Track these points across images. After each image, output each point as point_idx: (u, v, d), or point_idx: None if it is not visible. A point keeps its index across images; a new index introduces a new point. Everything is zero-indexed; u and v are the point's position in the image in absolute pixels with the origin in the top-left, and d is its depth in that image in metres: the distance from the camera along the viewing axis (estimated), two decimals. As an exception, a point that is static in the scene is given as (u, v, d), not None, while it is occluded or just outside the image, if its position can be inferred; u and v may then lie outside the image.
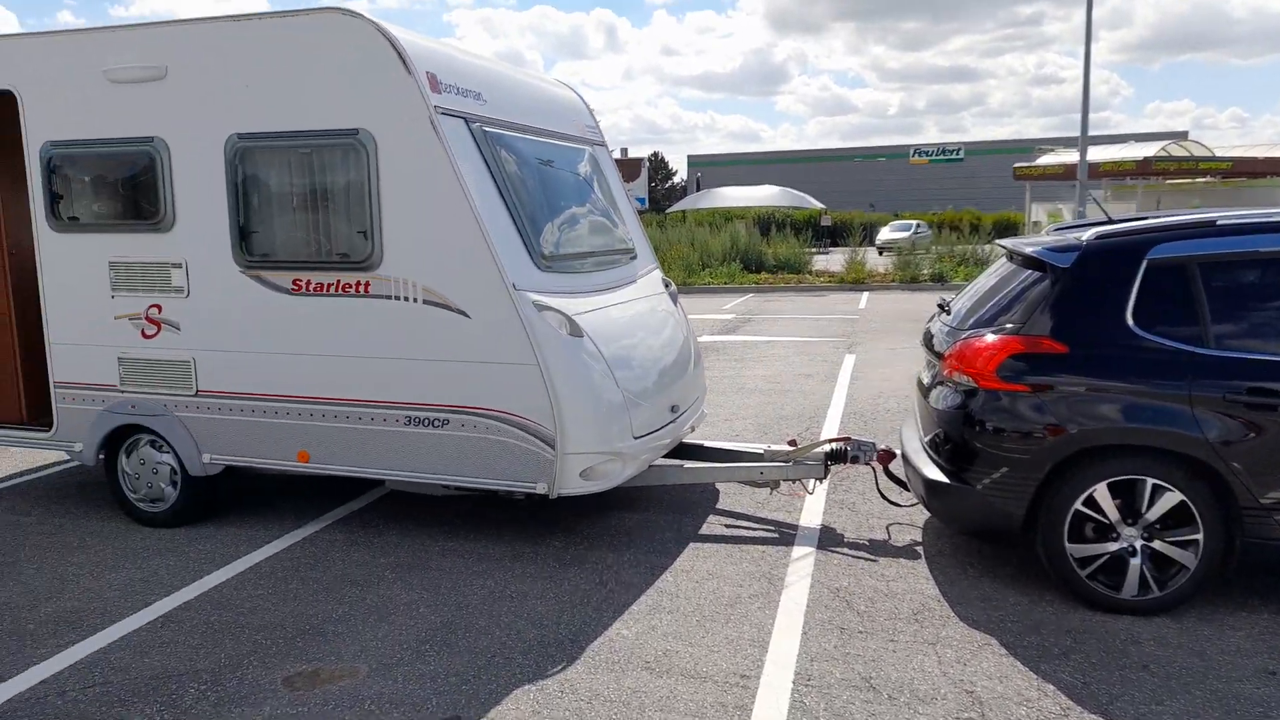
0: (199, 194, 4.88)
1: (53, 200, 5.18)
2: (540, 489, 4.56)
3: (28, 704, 3.39)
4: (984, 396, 4.08)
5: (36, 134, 5.15)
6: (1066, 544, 3.94)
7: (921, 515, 5.19)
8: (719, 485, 5.82)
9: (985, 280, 4.74)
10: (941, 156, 62.37)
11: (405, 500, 5.56)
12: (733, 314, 16.11)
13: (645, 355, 5.15)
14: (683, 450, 5.60)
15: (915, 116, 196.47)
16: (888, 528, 5.06)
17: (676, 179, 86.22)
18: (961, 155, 61.29)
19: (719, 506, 5.48)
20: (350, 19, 4.50)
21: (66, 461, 6.67)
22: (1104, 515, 3.89)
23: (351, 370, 4.75)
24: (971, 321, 4.37)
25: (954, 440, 4.21)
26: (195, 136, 4.86)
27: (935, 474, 4.28)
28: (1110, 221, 4.35)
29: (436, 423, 4.66)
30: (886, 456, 5.12)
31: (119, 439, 5.27)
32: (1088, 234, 4.11)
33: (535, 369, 4.46)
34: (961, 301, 4.79)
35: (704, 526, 5.14)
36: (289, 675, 3.56)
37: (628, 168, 45.07)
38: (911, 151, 63.54)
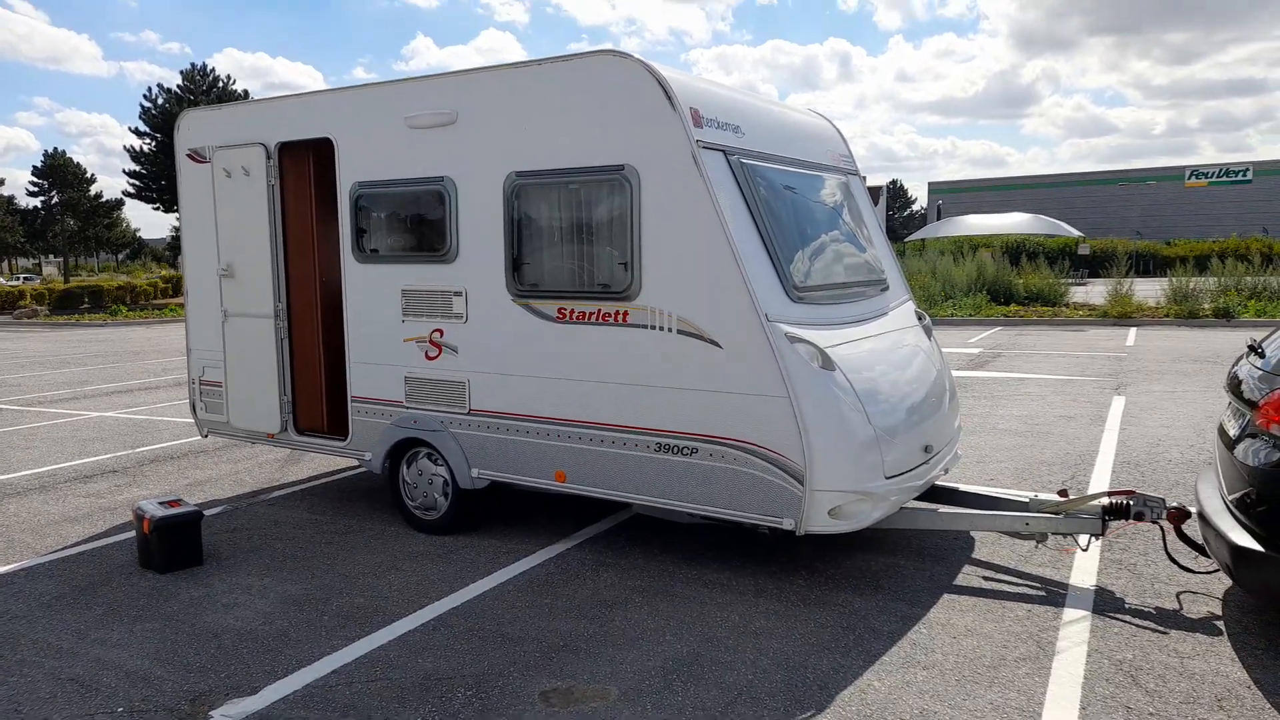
0: (480, 228, 5.28)
1: (358, 234, 5.81)
2: (786, 524, 4.48)
3: (322, 690, 3.75)
4: (1313, 455, 3.53)
5: (347, 175, 5.81)
6: None
7: (1221, 584, 4.58)
8: (975, 534, 5.45)
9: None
10: (1224, 179, 55.88)
11: (651, 525, 5.67)
12: (980, 348, 15.19)
13: (897, 390, 4.94)
14: (936, 493, 5.30)
15: (1187, 135, 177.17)
16: (1179, 596, 4.50)
17: (915, 206, 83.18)
18: (1249, 176, 54.51)
19: (975, 556, 5.12)
20: (622, 60, 4.71)
21: (355, 468, 7.43)
22: None
23: (607, 396, 4.92)
24: (1295, 368, 3.81)
25: (1271, 502, 3.67)
26: (479, 175, 5.26)
27: (1245, 540, 3.75)
28: None
29: (686, 450, 4.71)
30: (1178, 515, 4.57)
31: (402, 450, 5.77)
32: None
33: (786, 401, 4.40)
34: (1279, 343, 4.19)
35: (959, 577, 4.82)
36: (545, 690, 3.70)
37: (864, 195, 43.92)
38: (1187, 173, 57.35)
